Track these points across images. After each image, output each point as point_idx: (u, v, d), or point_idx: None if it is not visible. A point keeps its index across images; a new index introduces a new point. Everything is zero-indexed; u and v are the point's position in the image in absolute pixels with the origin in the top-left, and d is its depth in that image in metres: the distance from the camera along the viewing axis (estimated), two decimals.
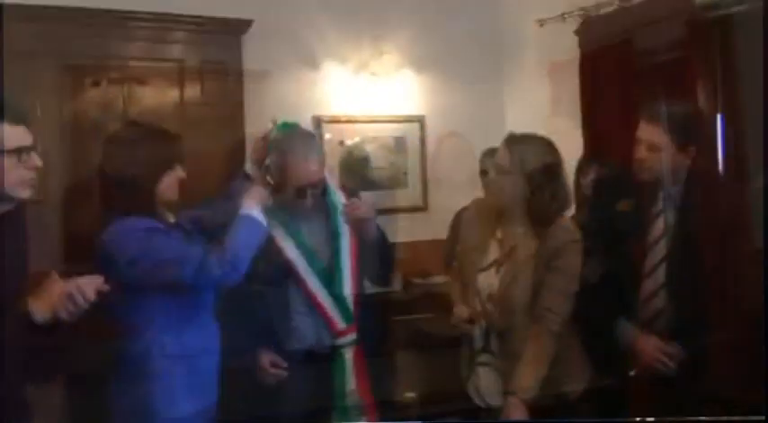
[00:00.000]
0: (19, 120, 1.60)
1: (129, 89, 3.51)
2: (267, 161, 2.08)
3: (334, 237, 2.17)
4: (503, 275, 2.03)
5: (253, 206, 1.90)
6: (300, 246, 2.15)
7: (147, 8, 3.50)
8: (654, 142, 2.05)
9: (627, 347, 2.11)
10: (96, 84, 3.44)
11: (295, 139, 2.16)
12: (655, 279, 2.11)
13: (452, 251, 2.43)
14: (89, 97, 3.45)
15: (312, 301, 2.13)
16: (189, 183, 1.94)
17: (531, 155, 1.99)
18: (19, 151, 1.58)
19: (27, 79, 3.27)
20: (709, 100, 3.51)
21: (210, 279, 1.82)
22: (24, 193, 1.63)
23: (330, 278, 2.16)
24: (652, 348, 2.06)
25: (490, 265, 2.07)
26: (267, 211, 2.00)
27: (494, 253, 2.08)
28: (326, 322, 2.15)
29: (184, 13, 3.58)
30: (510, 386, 1.95)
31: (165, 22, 3.59)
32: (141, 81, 3.54)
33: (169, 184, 1.85)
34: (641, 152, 2.09)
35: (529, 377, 1.93)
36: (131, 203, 1.81)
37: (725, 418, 1.62)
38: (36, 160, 1.62)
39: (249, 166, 2.14)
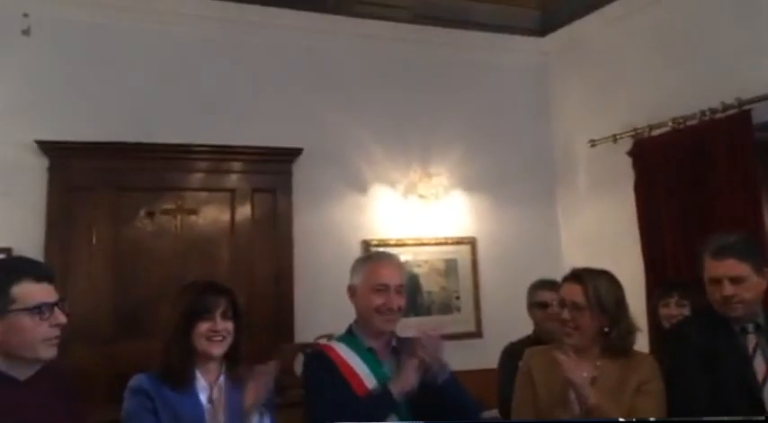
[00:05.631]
0: (41, 277, 1.58)
1: (182, 217, 3.60)
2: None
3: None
4: None
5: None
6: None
7: (204, 141, 3.65)
8: (736, 275, 1.96)
9: None
10: (150, 214, 3.54)
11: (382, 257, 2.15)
12: None
13: (507, 394, 2.26)
14: (143, 226, 3.54)
15: None
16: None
17: (604, 289, 2.00)
18: (40, 308, 1.55)
19: (86, 211, 3.43)
20: None
21: None
22: (47, 353, 1.57)
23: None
24: None
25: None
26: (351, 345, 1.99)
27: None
28: None
29: (239, 144, 3.72)
30: None
31: (221, 154, 3.72)
32: (192, 211, 3.63)
33: (202, 334, 1.79)
34: (727, 289, 1.97)
35: None
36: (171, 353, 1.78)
37: (725, 418, 1.60)
38: (60, 317, 1.58)
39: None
